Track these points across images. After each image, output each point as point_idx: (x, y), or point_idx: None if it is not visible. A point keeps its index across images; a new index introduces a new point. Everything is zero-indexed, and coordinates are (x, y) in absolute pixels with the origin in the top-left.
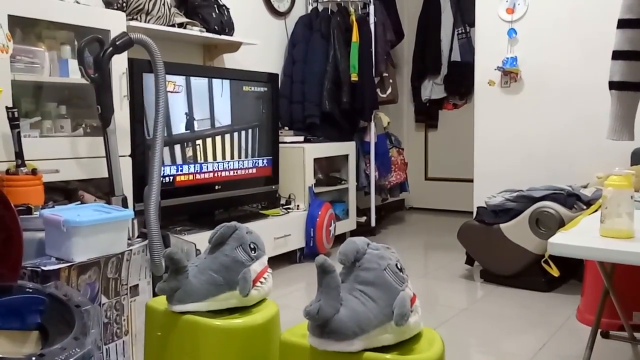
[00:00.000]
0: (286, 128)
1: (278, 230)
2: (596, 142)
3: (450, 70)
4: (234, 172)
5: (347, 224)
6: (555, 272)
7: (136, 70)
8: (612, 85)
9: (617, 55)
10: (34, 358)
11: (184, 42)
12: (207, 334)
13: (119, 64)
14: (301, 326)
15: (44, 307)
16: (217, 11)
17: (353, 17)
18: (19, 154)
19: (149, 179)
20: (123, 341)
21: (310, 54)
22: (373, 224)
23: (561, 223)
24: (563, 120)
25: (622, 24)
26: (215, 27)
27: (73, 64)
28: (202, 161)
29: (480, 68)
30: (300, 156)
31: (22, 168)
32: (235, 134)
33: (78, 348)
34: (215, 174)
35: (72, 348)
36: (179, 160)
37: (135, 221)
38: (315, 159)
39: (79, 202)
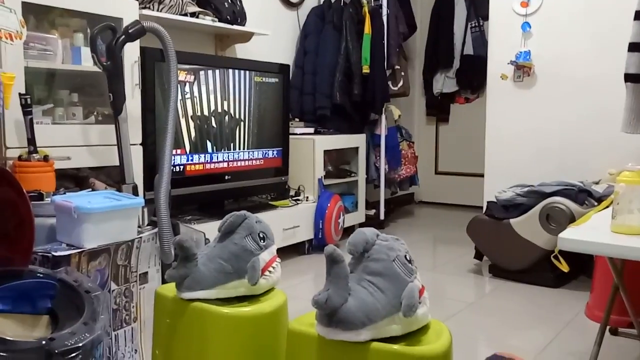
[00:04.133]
0: (297, 119)
1: (287, 222)
2: (609, 138)
3: (463, 64)
4: (244, 163)
5: (356, 217)
6: (565, 267)
7: (148, 59)
8: (628, 77)
9: (632, 47)
10: (44, 342)
11: (196, 31)
12: (216, 321)
13: (131, 53)
14: (309, 315)
15: (54, 292)
16: (229, 1)
17: (366, 9)
18: (31, 141)
19: (160, 167)
20: (132, 328)
21: (322, 46)
22: (382, 217)
23: (572, 219)
24: (575, 116)
25: (639, 16)
26: (228, 16)
27: (86, 52)
28: (213, 151)
29: (493, 62)
30: (311, 148)
31: (34, 154)
32: (246, 125)
33: (87, 333)
34: (226, 164)
35: (81, 333)
36: (189, 149)
37: (146, 209)
38: (325, 151)
39: (90, 190)
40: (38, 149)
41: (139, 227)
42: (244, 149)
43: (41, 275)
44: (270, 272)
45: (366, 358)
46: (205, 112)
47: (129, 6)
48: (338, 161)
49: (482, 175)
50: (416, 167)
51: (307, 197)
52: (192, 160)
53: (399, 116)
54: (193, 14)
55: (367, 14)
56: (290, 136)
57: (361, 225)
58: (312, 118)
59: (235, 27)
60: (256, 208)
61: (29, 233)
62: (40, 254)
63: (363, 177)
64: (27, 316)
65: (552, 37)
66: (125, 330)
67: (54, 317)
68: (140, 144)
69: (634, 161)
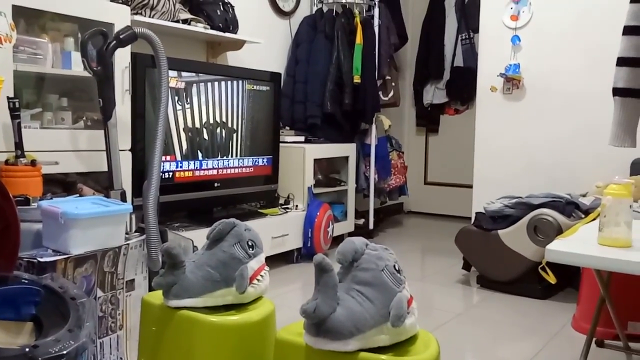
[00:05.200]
0: (287, 128)
1: (276, 230)
2: (597, 151)
3: (453, 76)
4: (233, 170)
5: (345, 226)
6: (552, 278)
7: (139, 65)
8: (616, 91)
9: (621, 61)
10: (27, 349)
11: (188, 38)
12: (203, 330)
13: (122, 58)
14: (297, 325)
15: (39, 299)
16: (221, 8)
17: (357, 19)
18: (19, 145)
19: (149, 174)
20: (117, 335)
21: (314, 55)
22: (371, 226)
23: (559, 231)
24: (564, 129)
25: (628, 30)
26: (220, 24)
27: (76, 57)
28: (202, 158)
29: (482, 74)
30: (301, 156)
31: (21, 159)
32: (236, 132)
33: (72, 340)
34: (215, 172)
35: (66, 340)
36: (178, 156)
37: (134, 216)
38: (315, 160)
39: (77, 195)
40: (26, 153)
41: (126, 233)
42: (234, 156)
43: (26, 281)
44: (258, 280)
45: None
46: (196, 119)
47: (121, 12)
48: (328, 170)
49: (470, 186)
50: (405, 177)
51: (297, 206)
52: (181, 167)
53: (389, 126)
54: (185, 21)
55: (359, 24)
56: (281, 144)
57: (350, 234)
58: (302, 127)
59: (227, 34)
60: (245, 216)
61: (15, 238)
62: (25, 259)
63: (353, 187)
64: (11, 322)
65: (541, 51)
66: (110, 338)
67: (38, 324)
68: (129, 150)
69: (621, 174)
